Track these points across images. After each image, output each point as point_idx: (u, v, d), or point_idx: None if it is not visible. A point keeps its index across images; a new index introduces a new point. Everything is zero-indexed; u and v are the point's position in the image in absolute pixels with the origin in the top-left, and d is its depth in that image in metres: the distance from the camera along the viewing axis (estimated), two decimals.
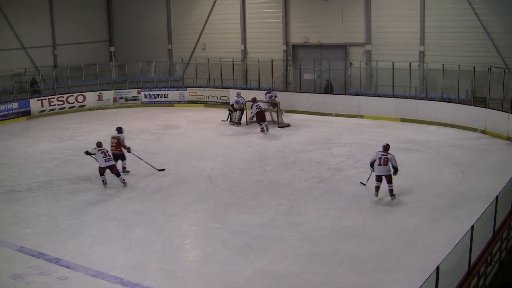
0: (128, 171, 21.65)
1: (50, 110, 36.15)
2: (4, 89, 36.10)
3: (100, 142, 20.30)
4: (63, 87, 38.44)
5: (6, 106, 34.32)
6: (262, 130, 28.11)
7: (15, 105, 34.79)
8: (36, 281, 13.17)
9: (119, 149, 21.28)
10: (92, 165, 23.09)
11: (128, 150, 21.41)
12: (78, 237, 15.74)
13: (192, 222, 16.71)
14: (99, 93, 37.61)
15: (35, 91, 37.62)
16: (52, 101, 36.34)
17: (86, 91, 37.66)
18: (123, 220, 16.88)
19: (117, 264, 13.83)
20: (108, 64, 41.50)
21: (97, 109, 36.91)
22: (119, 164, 21.20)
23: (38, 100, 36.04)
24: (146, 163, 21.98)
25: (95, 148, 20.09)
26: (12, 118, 34.55)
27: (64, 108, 36.71)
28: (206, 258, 14.27)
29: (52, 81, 39.14)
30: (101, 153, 19.83)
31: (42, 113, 35.69)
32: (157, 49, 41.66)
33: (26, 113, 35.12)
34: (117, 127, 22.24)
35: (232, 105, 30.61)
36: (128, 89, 37.89)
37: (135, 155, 21.89)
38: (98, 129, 30.58)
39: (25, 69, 37.90)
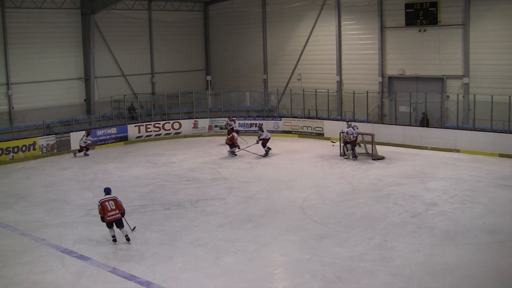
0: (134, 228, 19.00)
1: (147, 136, 37.00)
2: (103, 114, 37.27)
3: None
4: (160, 114, 39.41)
5: (105, 131, 35.39)
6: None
7: (113, 130, 35.83)
8: None
9: (120, 213, 17.68)
10: (186, 192, 23.45)
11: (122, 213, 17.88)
12: (170, 262, 15.87)
13: (282, 252, 16.57)
14: (194, 120, 38.24)
15: (133, 117, 38.65)
16: (149, 128, 37.21)
17: (182, 119, 38.42)
18: (214, 247, 16.91)
19: None
20: (204, 93, 42.19)
21: (192, 136, 37.49)
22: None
23: (135, 126, 37.00)
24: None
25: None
26: (110, 143, 35.59)
27: (160, 134, 37.51)
28: None
29: (150, 108, 40.15)
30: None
31: (138, 139, 36.56)
32: (252, 78, 42.08)
33: (123, 138, 36.09)
34: (105, 188, 18.51)
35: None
36: (223, 117, 38.34)
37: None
38: (192, 156, 31.04)
39: (124, 95, 39.07)
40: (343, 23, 36.65)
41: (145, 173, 27.64)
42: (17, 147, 32.05)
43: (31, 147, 32.67)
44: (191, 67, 44.52)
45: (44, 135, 33.77)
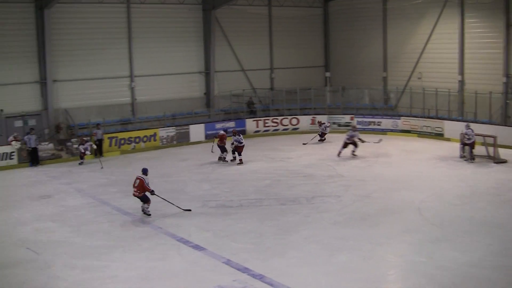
0: (150, 215, 20.37)
1: (265, 130, 37.37)
2: (222, 108, 37.96)
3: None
4: (278, 110, 39.64)
5: (224, 124, 35.95)
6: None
7: (231, 124, 36.38)
8: None
9: (139, 191, 19.99)
10: (302, 187, 23.48)
11: (152, 192, 20.17)
12: (283, 257, 15.92)
13: (397, 253, 16.25)
14: (312, 117, 38.23)
15: (251, 112, 39.12)
16: (267, 122, 37.57)
17: (300, 115, 38.51)
18: (328, 245, 16.82)
19: (318, 287, 13.79)
20: (322, 89, 42.14)
21: (309, 132, 37.47)
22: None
23: (253, 120, 37.47)
24: (171, 203, 20.79)
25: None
26: (229, 136, 36.02)
27: (278, 129, 37.81)
28: None
29: (268, 103, 40.50)
30: None
31: (256, 133, 36.98)
32: (372, 76, 41.52)
33: (241, 133, 36.46)
34: (143, 168, 20.60)
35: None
36: (342, 114, 38.14)
37: (159, 196, 20.68)
38: (309, 152, 31.06)
39: (243, 90, 39.64)
40: (466, 20, 35.32)
41: (262, 167, 27.91)
42: (139, 137, 33.23)
43: (152, 138, 33.76)
44: (310, 63, 44.49)
45: (164, 127, 34.78)
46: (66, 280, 14.75)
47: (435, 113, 35.42)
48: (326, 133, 34.51)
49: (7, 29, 32.15)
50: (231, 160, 29.42)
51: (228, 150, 29.48)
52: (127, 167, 29.02)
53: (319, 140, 34.31)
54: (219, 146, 29.64)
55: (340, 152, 29.83)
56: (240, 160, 28.91)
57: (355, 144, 29.84)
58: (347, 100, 39.88)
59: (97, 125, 32.30)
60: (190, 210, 20.58)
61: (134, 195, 20.12)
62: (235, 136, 29.25)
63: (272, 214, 20.01)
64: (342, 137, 32.40)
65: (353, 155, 29.73)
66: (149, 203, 20.18)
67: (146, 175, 20.15)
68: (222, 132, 30.62)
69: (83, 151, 30.00)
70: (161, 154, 31.78)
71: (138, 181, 19.88)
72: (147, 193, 20.08)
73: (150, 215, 20.15)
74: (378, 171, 26.33)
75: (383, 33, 40.66)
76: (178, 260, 16.00)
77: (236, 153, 29.23)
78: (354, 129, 30.92)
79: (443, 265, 15.09)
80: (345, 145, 29.87)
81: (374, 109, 38.96)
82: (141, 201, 20.12)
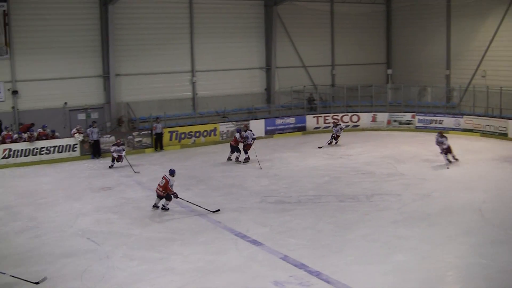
0: (168, 209, 20.49)
1: (325, 127, 37.17)
2: (283, 104, 37.95)
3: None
4: (339, 106, 39.44)
5: (284, 120, 35.98)
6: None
7: (292, 120, 36.43)
8: None
9: (163, 191, 20.21)
10: (361, 185, 23.28)
11: (175, 195, 20.31)
12: (340, 254, 15.81)
13: (457, 254, 15.90)
14: (373, 114, 37.89)
15: (312, 108, 39.02)
16: (327, 119, 37.37)
17: (360, 112, 38.19)
18: (386, 243, 16.61)
19: (374, 286, 13.62)
20: (384, 87, 41.71)
21: (370, 130, 37.18)
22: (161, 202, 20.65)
23: (314, 117, 37.35)
24: (199, 206, 20.39)
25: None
26: (289, 132, 36.20)
27: None
28: None
29: (329, 100, 40.31)
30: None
31: (316, 130, 36.84)
32: (434, 74, 40.83)
33: (301, 129, 36.58)
34: (170, 169, 20.84)
35: None
36: (403, 112, 37.67)
37: (183, 199, 20.65)
38: (370, 150, 30.79)
39: (304, 86, 39.57)
40: None
41: (322, 164, 27.78)
42: (199, 132, 33.49)
43: (212, 132, 33.98)
44: (371, 60, 44.10)
45: (225, 122, 34.95)
46: (124, 270, 14.97)
47: (499, 112, 34.57)
48: (339, 136, 32.86)
49: (73, 24, 32.93)
50: (244, 160, 28.80)
51: (241, 151, 28.97)
52: (186, 161, 29.31)
53: (329, 143, 32.45)
54: (231, 146, 29.09)
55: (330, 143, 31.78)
56: (246, 158, 28.73)
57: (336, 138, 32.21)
58: (408, 98, 39.32)
59: (157, 119, 32.70)
60: (219, 210, 20.23)
61: (157, 193, 20.38)
62: (246, 132, 29.14)
63: (330, 211, 19.89)
64: (403, 135, 32.14)
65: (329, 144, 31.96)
66: (171, 200, 20.42)
67: (173, 176, 20.44)
68: (237, 134, 29.44)
69: (115, 155, 28.00)
70: (221, 149, 31.91)
71: (164, 181, 20.16)
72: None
73: (168, 209, 20.40)
74: (439, 170, 25.88)
75: (447, 30, 39.92)
76: (235, 254, 16.05)
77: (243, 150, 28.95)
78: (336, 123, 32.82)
79: (504, 268, 14.70)
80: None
81: (436, 107, 38.31)
82: (165, 198, 20.32)
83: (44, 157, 29.39)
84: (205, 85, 37.23)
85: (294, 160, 28.74)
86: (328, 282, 13.82)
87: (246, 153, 28.66)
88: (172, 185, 20.15)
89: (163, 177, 20.22)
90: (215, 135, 34.08)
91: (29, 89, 32.15)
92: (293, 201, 21.34)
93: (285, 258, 15.50)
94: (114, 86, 33.95)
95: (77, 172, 27.53)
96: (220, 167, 27.59)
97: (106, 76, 33.92)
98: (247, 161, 28.47)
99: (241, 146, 28.88)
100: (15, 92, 31.81)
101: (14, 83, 31.82)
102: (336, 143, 32.46)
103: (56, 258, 15.81)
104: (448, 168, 25.64)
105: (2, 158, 28.76)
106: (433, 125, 36.31)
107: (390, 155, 29.17)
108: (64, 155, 30.01)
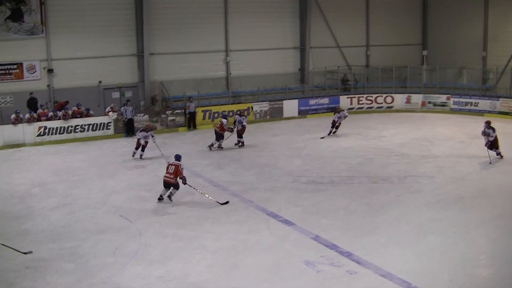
0: (171, 201, 19.12)
1: (358, 108, 37.01)
2: (317, 84, 37.77)
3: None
4: (373, 87, 39.15)
5: (317, 101, 35.86)
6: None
7: (325, 100, 36.36)
8: (326, 270, 13.41)
9: (174, 178, 18.71)
10: (394, 167, 23.10)
11: (184, 179, 18.65)
12: (372, 235, 15.74)
13: (490, 238, 15.68)
14: (408, 95, 37.55)
15: (346, 89, 38.83)
16: (361, 100, 37.20)
17: (395, 93, 37.85)
18: (419, 226, 16.46)
19: (407, 268, 13.48)
20: (419, 68, 41.21)
21: (404, 111, 36.87)
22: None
23: (347, 97, 37.22)
24: (207, 197, 18.99)
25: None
26: (322, 112, 36.10)
27: (372, 107, 37.35)
28: (501, 280, 13.23)
29: (363, 81, 40.03)
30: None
31: (350, 111, 36.53)
32: (470, 55, 40.16)
33: (334, 109, 36.29)
34: (176, 155, 19.52)
35: None
36: (438, 94, 37.23)
37: (191, 186, 19.13)
38: (403, 131, 30.54)
39: (338, 67, 39.30)
40: None
41: (355, 145, 27.66)
42: (232, 111, 33.45)
43: (245, 112, 33.90)
44: (406, 41, 43.58)
45: (258, 101, 34.93)
46: (156, 248, 15.09)
47: None
48: (339, 124, 30.24)
49: (108, 3, 33.16)
50: (235, 144, 27.77)
51: (224, 137, 27.56)
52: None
53: (329, 134, 29.98)
54: (216, 133, 27.37)
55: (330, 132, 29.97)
56: (242, 142, 27.94)
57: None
58: (444, 80, 38.81)
59: (190, 98, 32.81)
60: (228, 202, 18.87)
61: (166, 181, 18.84)
62: (241, 116, 28.09)
63: (363, 192, 19.80)
64: (437, 117, 31.83)
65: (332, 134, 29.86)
66: (178, 189, 19.05)
67: (180, 161, 19.01)
68: (223, 120, 27.48)
69: (142, 142, 25.60)
70: (254, 128, 31.93)
71: (173, 167, 18.70)
72: (179, 181, 18.78)
73: (172, 201, 19.07)
74: (474, 153, 25.48)
75: (484, 11, 39.22)
76: (267, 234, 16.08)
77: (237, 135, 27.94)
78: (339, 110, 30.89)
79: None
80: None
81: (471, 90, 37.70)
82: (173, 187, 18.93)
83: (79, 135, 29.75)
84: (239, 65, 37.22)
85: (327, 141, 28.64)
86: (359, 263, 13.78)
87: (240, 137, 27.93)
88: (182, 169, 18.74)
89: (170, 165, 18.88)
90: (248, 114, 34.06)
91: (64, 67, 32.47)
92: (326, 181, 21.28)
93: (316, 239, 15.48)
94: (148, 65, 34.11)
95: (111, 150, 27.81)
96: (253, 146, 27.61)
97: (140, 55, 34.08)
98: (243, 146, 27.86)
99: (227, 134, 27.77)
100: (50, 71, 32.15)
101: (50, 61, 32.15)
102: (334, 132, 30.13)
103: (89, 234, 16.00)
104: (490, 163, 23.51)
105: (37, 136, 29.17)
106: (468, 107, 35.86)
107: (424, 137, 28.90)
108: (98, 133, 30.33)
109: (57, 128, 29.53)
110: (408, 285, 12.53)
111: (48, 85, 32.26)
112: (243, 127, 27.89)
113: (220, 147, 27.44)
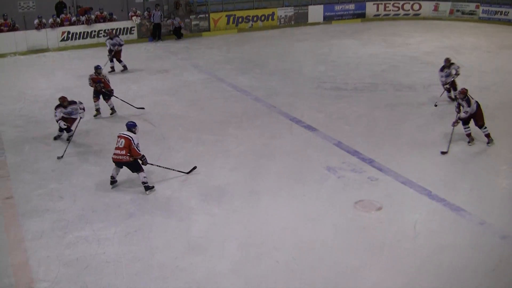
0: (152, 187, 13.18)
1: (385, 15, 36.36)
2: None
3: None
4: None
5: (343, 6, 35.25)
6: None
7: (351, 6, 35.71)
8: (347, 176, 13.54)
9: (127, 155, 12.81)
10: (419, 75, 22.87)
11: (143, 159, 12.94)
12: (395, 143, 15.74)
13: None
14: (435, 3, 36.69)
15: None
16: (388, 6, 36.47)
17: (422, 0, 37.01)
18: (441, 135, 16.28)
19: (427, 176, 13.54)
20: None
21: (431, 19, 36.15)
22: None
23: (374, 4, 36.48)
24: (173, 169, 14.22)
25: None
26: (348, 19, 35.59)
27: (399, 14, 36.62)
28: None
29: None
30: None
31: (376, 17, 36.07)
32: None
33: (361, 15, 35.88)
34: (128, 123, 13.49)
35: None
36: (467, 2, 36.33)
37: (154, 165, 13.96)
38: (430, 39, 30.00)
39: None
40: None
41: (380, 52, 27.33)
42: (257, 16, 33.10)
43: (270, 17, 33.58)
44: None
45: (283, 6, 34.41)
46: (179, 151, 15.29)
47: None
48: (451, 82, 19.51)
49: None
50: (109, 72, 23.44)
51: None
52: (244, 45, 29.21)
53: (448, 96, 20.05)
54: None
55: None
56: (124, 66, 24.73)
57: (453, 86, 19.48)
58: None
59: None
60: (195, 167, 14.05)
61: (116, 160, 13.03)
62: (112, 39, 24.47)
63: (386, 100, 19.69)
64: (465, 26, 31.20)
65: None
66: (143, 171, 13.09)
67: (134, 133, 13.21)
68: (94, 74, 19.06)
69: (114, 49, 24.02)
70: (278, 33, 31.63)
71: (123, 140, 12.88)
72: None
73: (153, 188, 13.20)
74: (501, 63, 25.08)
75: None
76: (289, 139, 16.17)
77: (114, 59, 24.56)
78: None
79: None
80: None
81: None
82: (130, 170, 13.20)
83: (102, 39, 29.57)
84: None
85: (353, 47, 28.34)
86: (380, 170, 13.86)
87: (120, 61, 24.73)
88: (137, 145, 12.91)
89: (120, 136, 13.00)
90: (272, 19, 33.66)
91: None
92: (350, 88, 21.19)
93: (338, 144, 15.54)
94: None
95: (135, 55, 27.69)
96: (277, 52, 27.42)
97: None
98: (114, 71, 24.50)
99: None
100: None
101: None
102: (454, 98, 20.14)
103: (114, 138, 16.14)
104: (436, 106, 19.11)
105: (61, 41, 29.12)
106: (497, 16, 34.96)
107: (451, 46, 28.38)
108: (121, 37, 30.13)
109: (80, 33, 29.45)
110: (428, 193, 12.61)
111: None
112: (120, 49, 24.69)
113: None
